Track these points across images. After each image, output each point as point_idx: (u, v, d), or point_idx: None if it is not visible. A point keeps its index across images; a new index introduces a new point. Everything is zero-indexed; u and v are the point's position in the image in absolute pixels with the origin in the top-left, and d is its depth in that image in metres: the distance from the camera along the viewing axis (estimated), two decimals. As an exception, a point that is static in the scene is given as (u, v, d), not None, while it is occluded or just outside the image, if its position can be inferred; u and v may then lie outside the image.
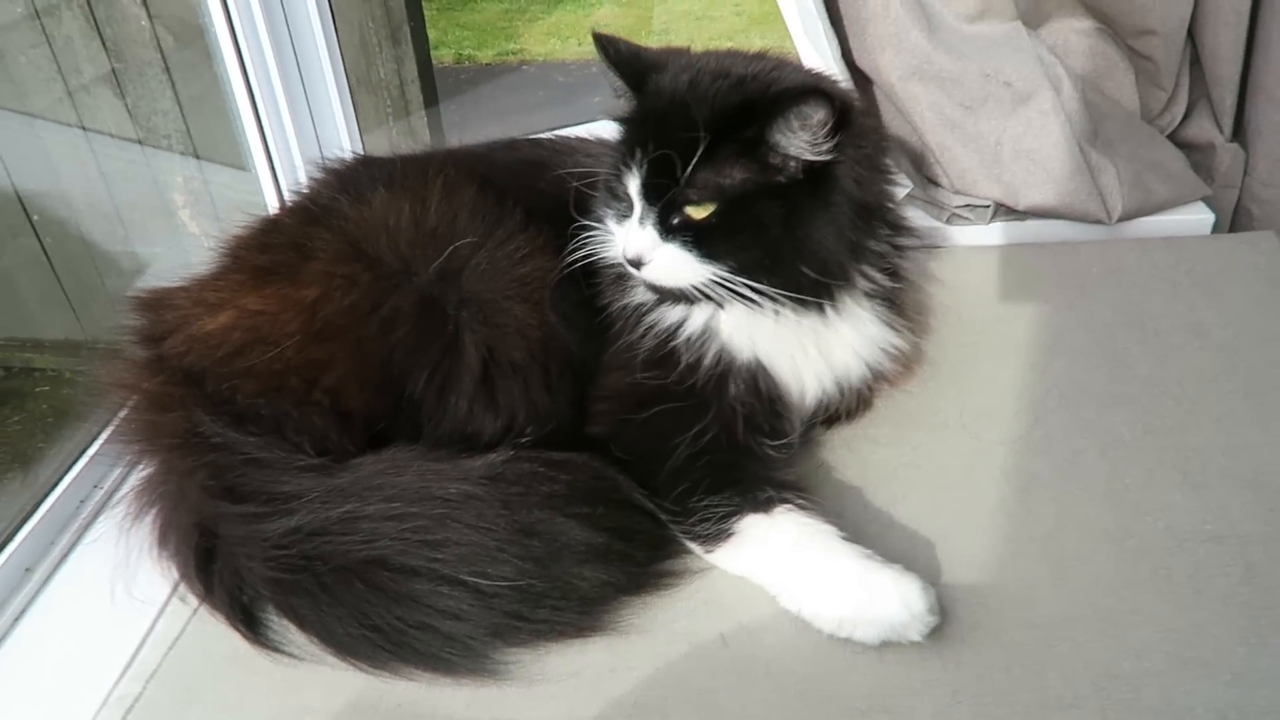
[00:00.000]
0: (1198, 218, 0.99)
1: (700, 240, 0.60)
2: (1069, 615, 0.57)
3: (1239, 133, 1.10)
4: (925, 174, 1.02)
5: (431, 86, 2.75)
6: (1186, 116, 1.12)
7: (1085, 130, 0.98)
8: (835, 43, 0.95)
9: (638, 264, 0.61)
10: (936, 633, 0.56)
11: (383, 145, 2.05)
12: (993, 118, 0.97)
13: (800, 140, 0.57)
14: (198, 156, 2.18)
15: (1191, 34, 1.07)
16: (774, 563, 0.59)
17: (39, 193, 2.28)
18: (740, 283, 0.60)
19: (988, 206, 0.99)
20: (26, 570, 0.68)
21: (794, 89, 0.58)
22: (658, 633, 0.58)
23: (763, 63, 0.63)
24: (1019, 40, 0.97)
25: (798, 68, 0.65)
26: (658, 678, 0.55)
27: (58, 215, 2.40)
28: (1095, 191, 0.97)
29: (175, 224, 2.29)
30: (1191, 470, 0.66)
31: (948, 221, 1.00)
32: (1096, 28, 1.06)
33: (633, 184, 0.61)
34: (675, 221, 0.60)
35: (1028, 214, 0.99)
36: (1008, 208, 1.00)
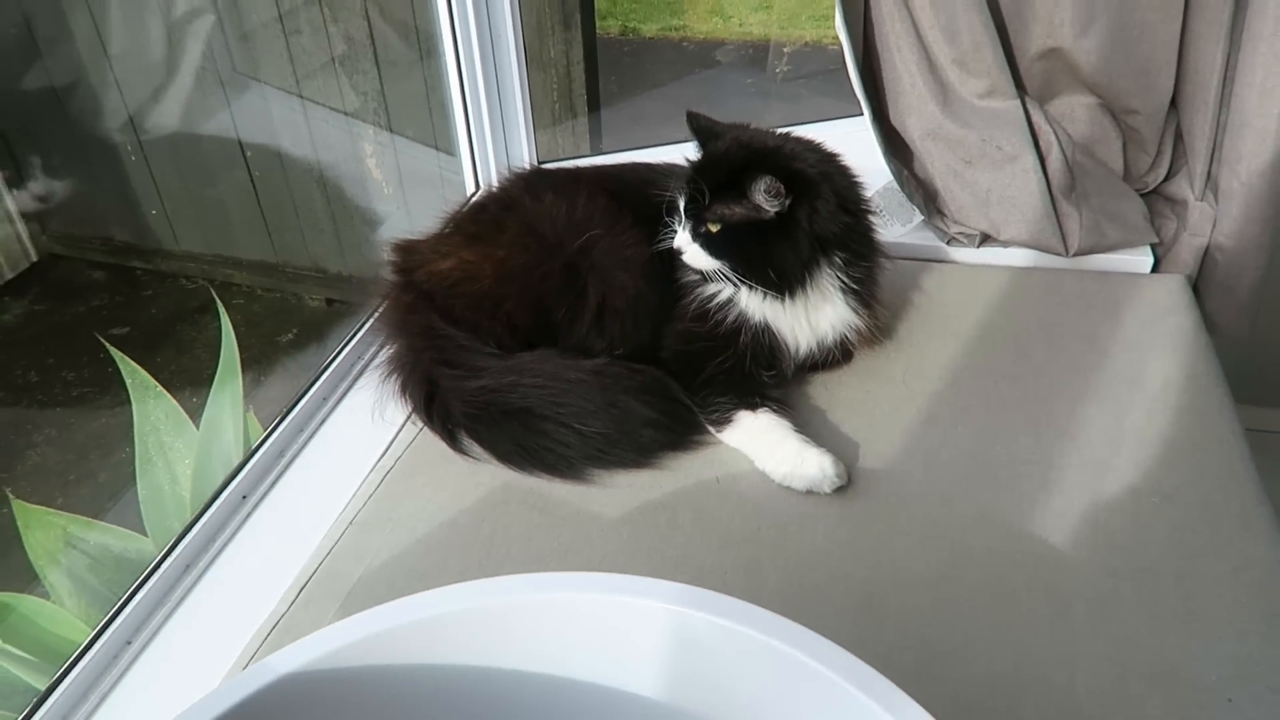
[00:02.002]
0: (1139, 258, 1.31)
1: (711, 244, 0.98)
2: (922, 491, 0.94)
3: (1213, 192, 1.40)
4: (935, 206, 1.37)
5: (594, 66, 3.17)
6: (1170, 175, 1.43)
7: (1063, 185, 1.31)
8: (869, 107, 1.32)
9: (680, 253, 1.01)
10: (841, 490, 0.94)
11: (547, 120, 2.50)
12: (985, 171, 1.31)
13: (762, 197, 0.94)
14: (391, 130, 2.71)
15: (1179, 111, 1.38)
16: (751, 439, 0.98)
17: (258, 140, 2.84)
18: (733, 274, 0.99)
19: (977, 235, 1.34)
20: (324, 399, 1.13)
21: (758, 167, 0.94)
22: (680, 470, 0.98)
23: (778, 141, 1.01)
24: (1014, 115, 1.30)
25: (799, 147, 1.00)
26: (675, 492, 0.96)
27: (268, 156, 2.96)
28: (1058, 232, 1.30)
29: (367, 181, 2.83)
30: (1039, 424, 1.02)
31: (949, 243, 1.36)
32: (1097, 103, 1.38)
33: (682, 203, 1.01)
34: (701, 231, 0.98)
35: (1007, 243, 1.34)
36: (992, 237, 1.35)
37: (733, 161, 0.99)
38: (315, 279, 3.41)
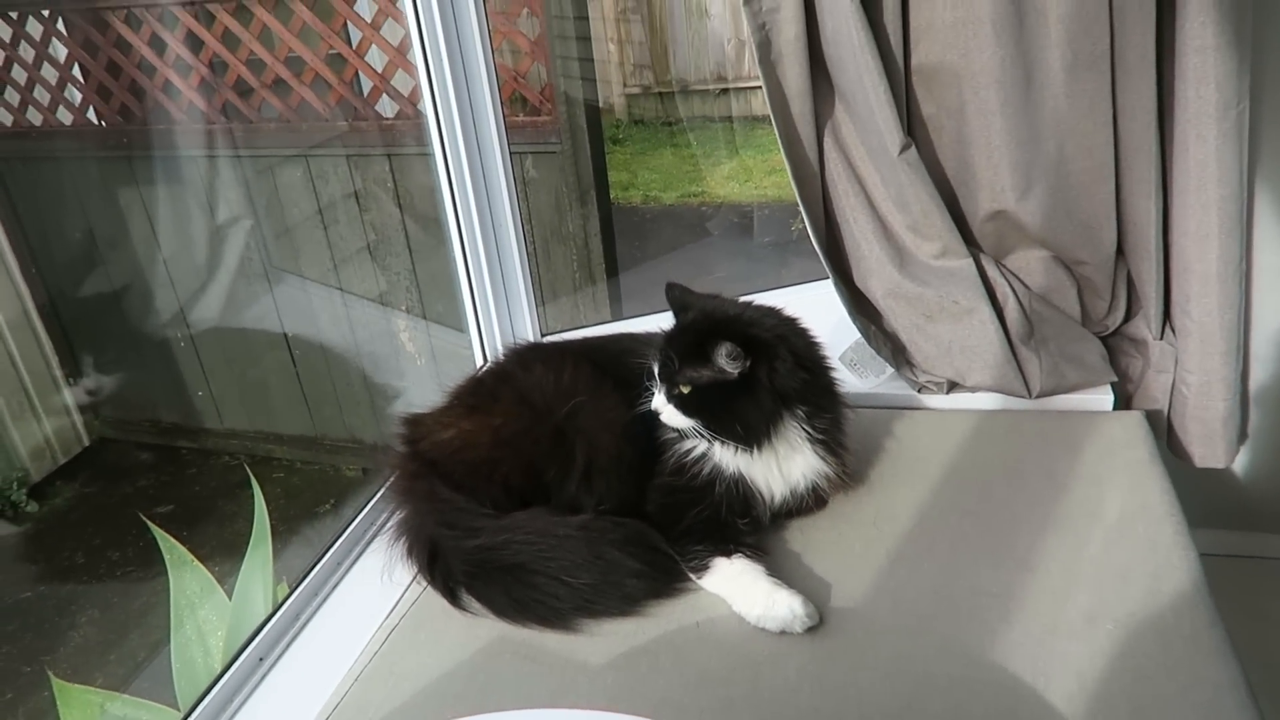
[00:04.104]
0: (1100, 397, 1.38)
1: (684, 405, 1.08)
2: (890, 627, 1.00)
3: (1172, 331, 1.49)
4: (904, 358, 1.47)
5: (610, 236, 3.38)
6: (1130, 317, 1.53)
7: (1021, 332, 1.41)
8: (833, 272, 1.44)
9: (658, 414, 1.11)
10: (813, 630, 1.00)
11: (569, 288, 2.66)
12: (946, 325, 1.42)
13: (724, 360, 1.05)
14: (424, 307, 2.91)
15: (1126, 259, 1.49)
16: (727, 584, 1.05)
17: (299, 324, 3.06)
18: (706, 430, 1.08)
19: (944, 382, 1.43)
20: (338, 564, 1.23)
21: (719, 335, 1.04)
22: (663, 616, 1.05)
23: (739, 310, 1.12)
24: (968, 272, 1.41)
25: (757, 314, 1.11)
26: (658, 638, 1.02)
27: (308, 339, 3.17)
28: (1020, 376, 1.39)
29: (400, 354, 3.02)
30: (1001, 557, 1.08)
31: (919, 391, 1.45)
32: (1050, 256, 1.49)
33: (657, 369, 1.12)
34: (675, 393, 1.08)
35: (974, 388, 1.43)
36: (959, 384, 1.44)
37: (698, 330, 1.11)
38: (352, 450, 3.56)
